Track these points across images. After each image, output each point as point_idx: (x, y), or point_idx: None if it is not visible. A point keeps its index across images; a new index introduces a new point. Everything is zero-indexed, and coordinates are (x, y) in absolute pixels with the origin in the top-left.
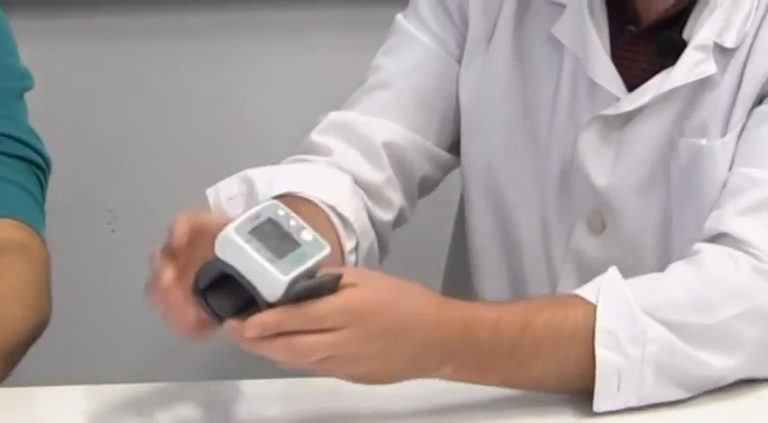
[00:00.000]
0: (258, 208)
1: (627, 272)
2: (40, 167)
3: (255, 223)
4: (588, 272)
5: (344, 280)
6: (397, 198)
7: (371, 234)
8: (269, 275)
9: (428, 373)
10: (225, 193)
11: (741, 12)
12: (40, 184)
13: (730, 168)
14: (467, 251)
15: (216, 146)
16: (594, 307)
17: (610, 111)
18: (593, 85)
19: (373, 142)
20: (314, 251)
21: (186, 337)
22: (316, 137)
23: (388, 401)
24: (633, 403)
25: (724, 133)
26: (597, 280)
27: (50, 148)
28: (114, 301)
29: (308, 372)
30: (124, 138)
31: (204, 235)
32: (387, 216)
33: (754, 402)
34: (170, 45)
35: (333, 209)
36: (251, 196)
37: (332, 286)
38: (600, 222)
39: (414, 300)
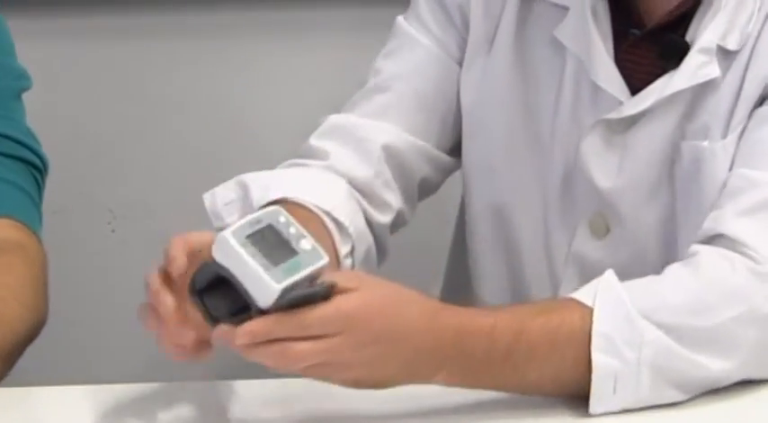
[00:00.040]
0: (260, 213)
1: (630, 275)
2: (37, 168)
3: (255, 228)
4: (590, 275)
5: (341, 284)
6: (394, 200)
7: (368, 237)
8: (262, 282)
9: (421, 379)
10: (221, 199)
11: (744, 14)
12: (37, 184)
13: (730, 169)
14: (467, 254)
15: (216, 146)
16: (591, 310)
17: (613, 115)
18: (595, 87)
19: (371, 145)
20: (310, 261)
21: (182, 360)
22: (314, 141)
23: (386, 402)
24: (629, 405)
25: (725, 135)
26: (594, 283)
27: (50, 149)
28: (114, 301)
29: None
30: (124, 138)
31: (201, 256)
32: (384, 218)
33: (753, 403)
34: (170, 45)
35: (328, 214)
36: (246, 201)
37: (325, 294)
38: (603, 226)
39: (407, 306)
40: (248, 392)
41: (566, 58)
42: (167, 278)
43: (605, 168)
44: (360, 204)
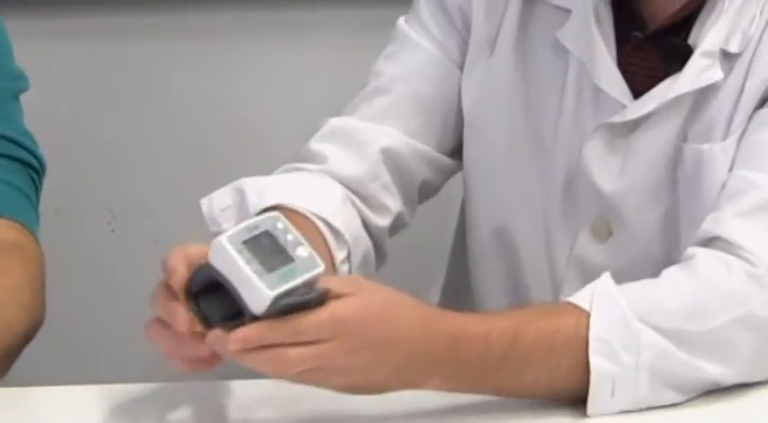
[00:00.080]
0: (258, 219)
1: (632, 277)
2: (34, 169)
3: (252, 234)
4: (592, 278)
5: (335, 289)
6: (393, 203)
7: (366, 242)
8: (255, 288)
9: (415, 384)
10: (218, 204)
11: (746, 17)
12: (35, 185)
13: (730, 171)
14: (468, 256)
15: (216, 146)
16: (588, 314)
17: (616, 118)
18: (598, 91)
19: (370, 148)
20: (306, 268)
21: (188, 372)
22: (313, 144)
23: (385, 402)
24: (627, 408)
25: (725, 137)
26: (590, 286)
27: (50, 149)
28: (114, 301)
29: None
30: (124, 138)
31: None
32: (382, 222)
33: (753, 403)
34: (170, 45)
35: (323, 220)
36: (243, 207)
37: (319, 301)
38: (606, 229)
39: (401, 311)
40: (248, 392)
41: (568, 61)
42: (171, 291)
43: (608, 172)
44: (357, 208)
